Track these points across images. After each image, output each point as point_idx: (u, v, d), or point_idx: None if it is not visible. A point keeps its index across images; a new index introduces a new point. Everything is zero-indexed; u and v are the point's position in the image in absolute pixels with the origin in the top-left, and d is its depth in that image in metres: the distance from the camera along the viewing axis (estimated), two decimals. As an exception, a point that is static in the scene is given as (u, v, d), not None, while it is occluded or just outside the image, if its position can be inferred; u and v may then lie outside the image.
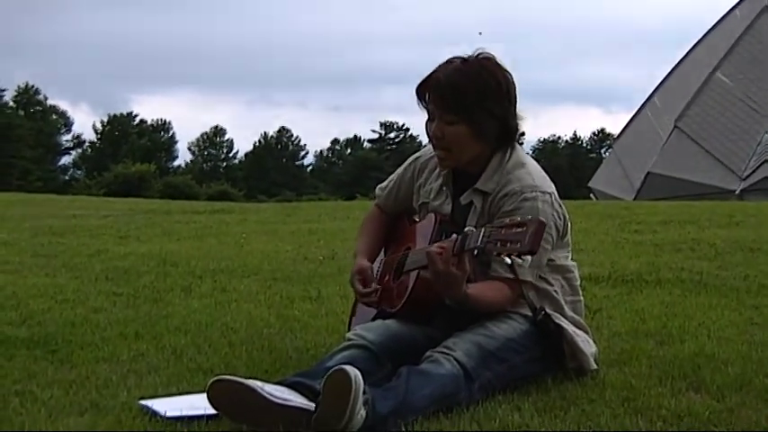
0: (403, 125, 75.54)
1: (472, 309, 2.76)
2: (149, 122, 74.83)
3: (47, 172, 63.00)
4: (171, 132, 75.49)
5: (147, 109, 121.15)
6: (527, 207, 2.79)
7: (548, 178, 2.95)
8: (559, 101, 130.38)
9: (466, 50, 2.91)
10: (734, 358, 3.16)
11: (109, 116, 74.21)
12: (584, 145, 77.11)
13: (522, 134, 3.06)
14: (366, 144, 77.36)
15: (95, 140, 72.40)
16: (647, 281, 5.07)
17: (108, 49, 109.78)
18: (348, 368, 2.36)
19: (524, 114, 2.93)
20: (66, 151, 71.72)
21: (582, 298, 3.06)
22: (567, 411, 2.56)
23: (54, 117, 70.56)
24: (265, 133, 77.12)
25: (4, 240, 7.61)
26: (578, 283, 3.05)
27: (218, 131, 76.82)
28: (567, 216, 2.97)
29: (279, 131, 77.54)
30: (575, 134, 77.23)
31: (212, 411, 2.45)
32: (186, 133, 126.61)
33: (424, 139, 3.09)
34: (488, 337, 2.76)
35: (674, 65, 37.20)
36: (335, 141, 79.79)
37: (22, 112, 66.16)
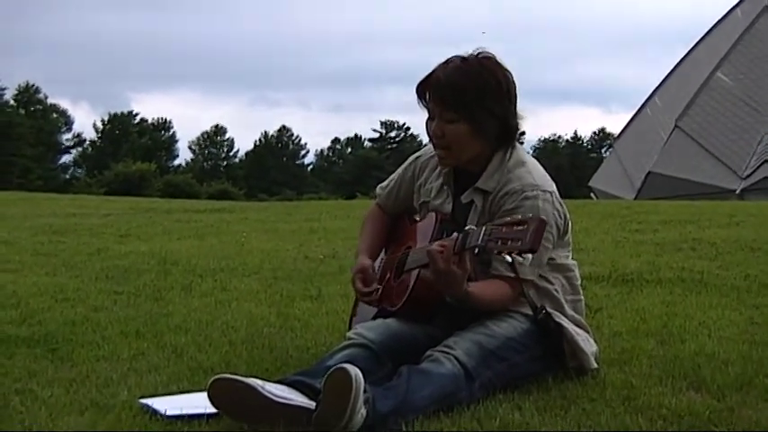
0: (404, 124, 75.67)
1: (473, 307, 2.76)
2: (150, 121, 74.93)
3: (47, 171, 63.01)
4: (171, 131, 75.60)
5: (148, 108, 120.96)
6: (528, 205, 2.79)
7: (548, 177, 2.95)
8: (560, 100, 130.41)
9: (467, 50, 2.91)
10: (734, 358, 3.16)
11: (109, 115, 74.30)
12: (585, 144, 77.14)
13: (523, 133, 3.07)
14: (367, 143, 77.39)
15: (96, 139, 72.46)
16: (648, 280, 5.07)
17: (109, 48, 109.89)
18: (349, 367, 2.36)
19: (525, 114, 2.93)
20: (67, 150, 71.83)
21: (582, 297, 3.06)
22: (567, 410, 2.56)
23: (54, 116, 70.54)
24: (266, 132, 77.26)
25: (5, 239, 7.61)
26: (579, 282, 3.05)
27: (219, 130, 76.88)
28: (568, 215, 2.97)
29: (279, 130, 77.62)
30: (575, 133, 77.37)
31: (213, 410, 2.46)
32: (187, 132, 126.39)
33: (425, 139, 3.10)
34: (489, 336, 2.76)
35: (674, 64, 37.21)
36: (336, 140, 79.93)
37: (22, 111, 66.14)
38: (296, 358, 3.24)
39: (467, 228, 2.63)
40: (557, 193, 2.91)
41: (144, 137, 72.03)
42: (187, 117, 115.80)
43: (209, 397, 2.43)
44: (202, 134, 76.69)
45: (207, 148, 76.51)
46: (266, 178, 70.04)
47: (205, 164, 74.89)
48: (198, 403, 2.51)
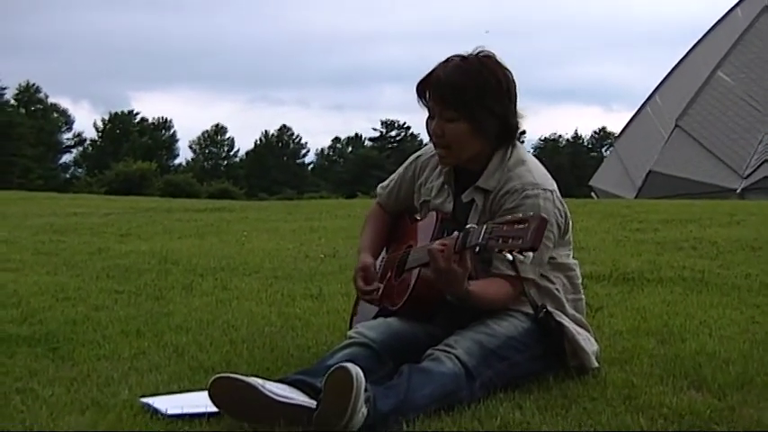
0: (404, 123, 75.69)
1: (474, 306, 2.76)
2: (150, 120, 74.93)
3: (48, 170, 63.04)
4: (172, 130, 75.60)
5: (148, 107, 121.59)
6: (529, 204, 2.79)
7: (549, 176, 2.95)
8: (560, 99, 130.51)
9: (467, 49, 2.91)
10: (735, 357, 3.16)
11: (110, 114, 74.36)
12: (586, 143, 77.13)
13: (523, 132, 3.07)
14: (367, 142, 77.42)
15: (96, 138, 72.49)
16: (649, 279, 5.07)
17: (109, 47, 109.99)
18: (349, 366, 2.36)
19: (525, 112, 2.93)
20: (67, 149, 71.88)
21: (583, 296, 3.06)
22: (568, 410, 2.56)
23: (55, 115, 70.60)
24: (266, 131, 77.25)
25: (6, 238, 7.61)
26: (580, 281, 3.05)
27: (220, 129, 76.90)
28: (569, 214, 2.97)
29: (280, 129, 77.63)
30: (576, 133, 77.33)
31: (213, 409, 2.46)
32: (187, 131, 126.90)
33: (425, 138, 3.10)
34: (490, 335, 2.76)
35: (675, 63, 37.19)
36: (336, 139, 79.97)
37: (23, 111, 66.21)
38: (297, 357, 3.24)
39: (467, 226, 2.63)
40: (557, 192, 2.91)
41: (144, 136, 72.06)
42: (187, 116, 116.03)
43: (210, 396, 2.43)
44: (203, 133, 76.83)
45: (207, 147, 76.53)
46: (267, 177, 70.05)
47: (205, 163, 74.90)
48: (199, 402, 2.51)
